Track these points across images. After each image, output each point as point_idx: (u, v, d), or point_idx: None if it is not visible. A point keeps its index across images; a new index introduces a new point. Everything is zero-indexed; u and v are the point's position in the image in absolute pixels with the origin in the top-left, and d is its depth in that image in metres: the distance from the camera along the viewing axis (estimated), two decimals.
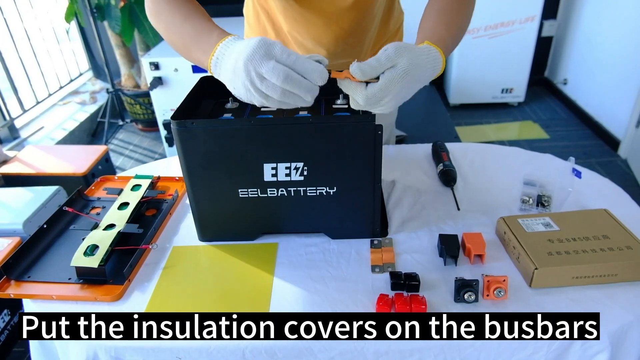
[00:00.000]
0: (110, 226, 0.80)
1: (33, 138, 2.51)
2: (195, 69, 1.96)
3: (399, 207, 0.87)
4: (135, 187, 0.93)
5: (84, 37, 3.17)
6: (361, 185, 0.74)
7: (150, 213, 0.89)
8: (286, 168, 0.72)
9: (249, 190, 0.75)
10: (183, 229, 0.85)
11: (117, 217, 0.82)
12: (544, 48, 3.11)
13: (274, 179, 0.73)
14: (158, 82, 1.99)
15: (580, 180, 0.85)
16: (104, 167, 1.95)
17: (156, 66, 1.97)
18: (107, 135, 2.49)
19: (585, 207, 0.83)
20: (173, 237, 0.83)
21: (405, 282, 0.69)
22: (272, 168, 0.72)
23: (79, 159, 1.89)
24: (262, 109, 0.82)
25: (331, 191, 0.74)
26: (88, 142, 2.79)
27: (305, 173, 0.73)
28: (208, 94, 0.87)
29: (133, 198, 0.88)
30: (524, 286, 0.68)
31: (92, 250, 0.74)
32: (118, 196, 0.90)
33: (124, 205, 0.86)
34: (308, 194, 0.75)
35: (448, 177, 0.91)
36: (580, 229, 0.72)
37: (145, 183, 0.94)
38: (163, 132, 2.18)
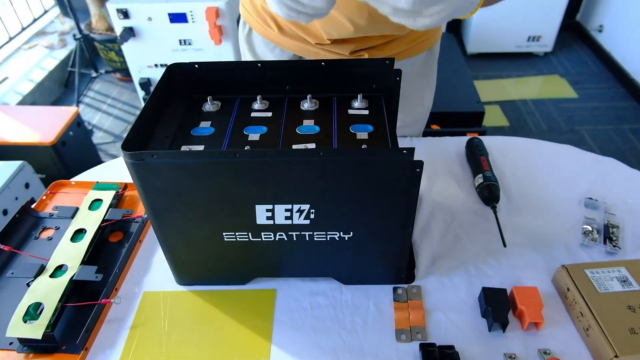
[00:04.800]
0: (60, 268, 0.62)
1: None
2: (173, 19, 1.66)
3: (427, 236, 0.70)
4: (95, 204, 0.74)
5: None
6: (387, 232, 0.56)
7: (115, 238, 0.71)
8: (286, 210, 0.53)
9: (237, 233, 0.56)
10: (157, 263, 0.68)
11: (70, 254, 0.64)
12: None
13: (270, 222, 0.55)
14: (129, 33, 1.69)
15: None
16: (76, 133, 1.72)
17: (125, 14, 1.66)
18: (79, 89, 2.22)
19: None
20: (143, 277, 0.66)
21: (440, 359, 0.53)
22: (268, 210, 0.53)
23: (45, 124, 1.66)
24: (253, 114, 0.61)
25: (346, 236, 0.56)
26: (60, 94, 2.51)
27: (312, 216, 0.54)
28: (180, 90, 0.65)
29: (91, 222, 0.70)
30: None
31: (35, 309, 0.57)
32: (72, 219, 0.71)
33: (79, 233, 0.68)
34: (315, 239, 0.57)
35: (490, 195, 0.73)
36: None
37: (107, 197, 0.75)
38: (141, 93, 1.92)
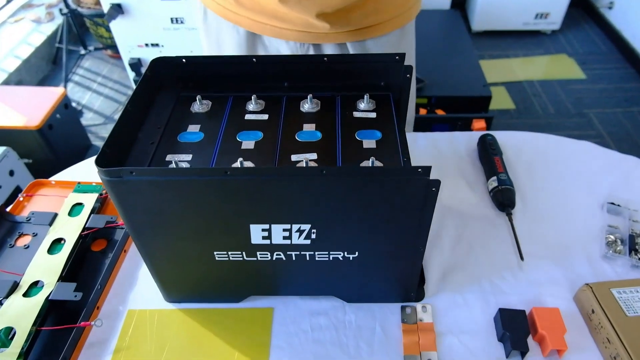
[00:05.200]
0: (35, 285, 0.57)
1: None
2: None
3: (437, 247, 0.64)
4: (76, 209, 0.68)
5: None
6: (397, 252, 0.50)
7: (98, 247, 0.66)
8: (285, 230, 0.48)
9: (230, 253, 0.51)
10: (143, 277, 0.62)
11: (46, 268, 0.59)
12: None
13: (267, 241, 0.49)
14: (117, 11, 1.58)
15: None
16: (64, 116, 1.64)
17: None
18: (67, 67, 2.11)
19: None
20: (128, 293, 0.60)
21: None
22: (264, 230, 0.48)
23: (30, 107, 1.58)
24: (247, 117, 0.54)
25: (351, 256, 0.51)
26: (48, 71, 2.40)
27: (313, 236, 0.48)
28: (166, 87, 0.58)
29: (71, 231, 0.64)
30: None
31: (6, 335, 0.52)
32: (50, 226, 0.65)
33: (57, 243, 0.62)
34: (317, 259, 0.51)
35: (505, 201, 0.67)
36: None
37: (89, 201, 0.69)
38: (131, 75, 1.82)
